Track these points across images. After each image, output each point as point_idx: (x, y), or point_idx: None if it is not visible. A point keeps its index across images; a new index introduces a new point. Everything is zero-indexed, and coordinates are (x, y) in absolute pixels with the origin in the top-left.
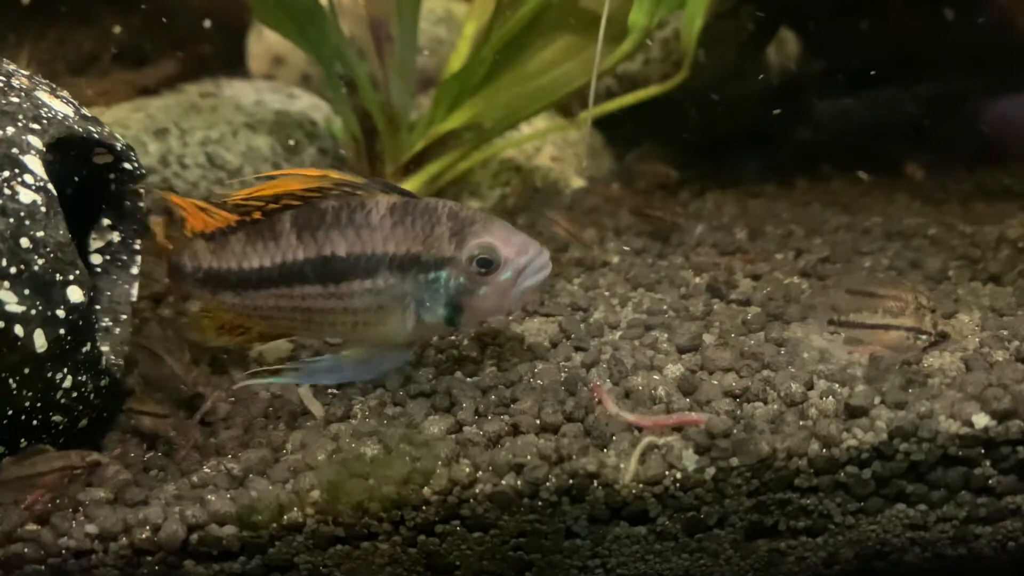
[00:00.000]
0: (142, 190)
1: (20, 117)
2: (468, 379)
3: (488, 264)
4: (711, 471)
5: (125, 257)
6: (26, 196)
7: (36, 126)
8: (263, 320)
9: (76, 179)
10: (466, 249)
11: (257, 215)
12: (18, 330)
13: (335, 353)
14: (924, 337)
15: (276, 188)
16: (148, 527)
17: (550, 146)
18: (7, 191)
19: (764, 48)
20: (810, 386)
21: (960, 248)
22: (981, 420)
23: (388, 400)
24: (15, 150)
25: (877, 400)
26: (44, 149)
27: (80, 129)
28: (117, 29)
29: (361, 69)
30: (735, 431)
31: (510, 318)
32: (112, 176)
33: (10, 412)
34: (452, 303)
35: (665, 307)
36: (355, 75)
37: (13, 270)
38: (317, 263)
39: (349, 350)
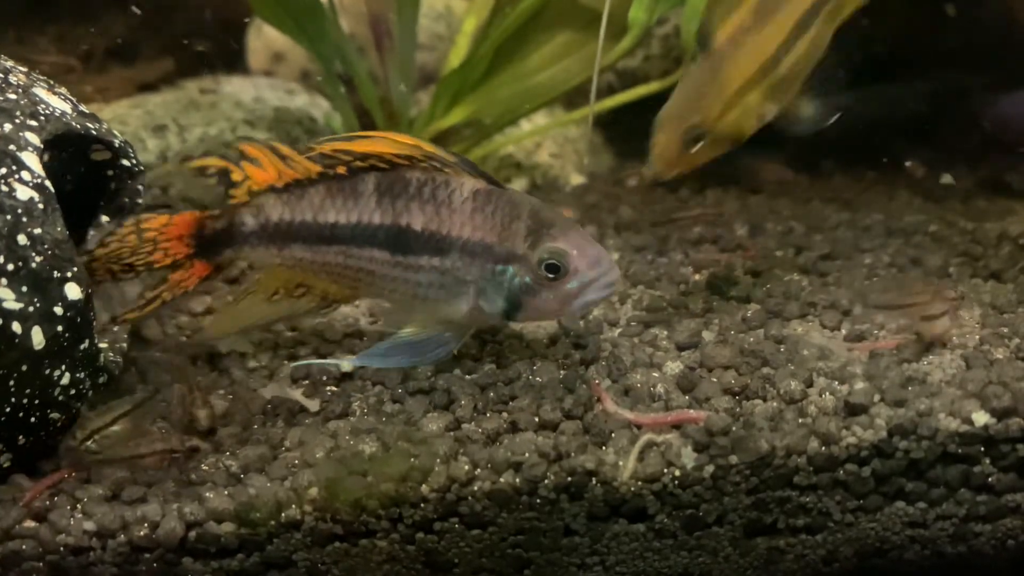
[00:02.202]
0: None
1: (17, 114)
2: (467, 376)
3: (557, 270)
4: (710, 469)
5: None
6: (23, 193)
7: (34, 123)
8: (329, 277)
9: (74, 176)
10: (538, 251)
11: (341, 170)
12: (16, 327)
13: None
14: None
15: (366, 147)
16: (146, 524)
17: (550, 142)
18: (4, 188)
19: None
20: (809, 383)
21: (961, 245)
22: (981, 418)
23: (387, 397)
24: (12, 147)
25: (877, 398)
26: (41, 146)
27: (78, 126)
28: (117, 25)
29: (360, 66)
30: (734, 429)
31: None
32: (110, 173)
33: (8, 409)
34: (512, 299)
35: (665, 304)
36: (354, 72)
37: (10, 267)
38: (391, 231)
39: (403, 331)
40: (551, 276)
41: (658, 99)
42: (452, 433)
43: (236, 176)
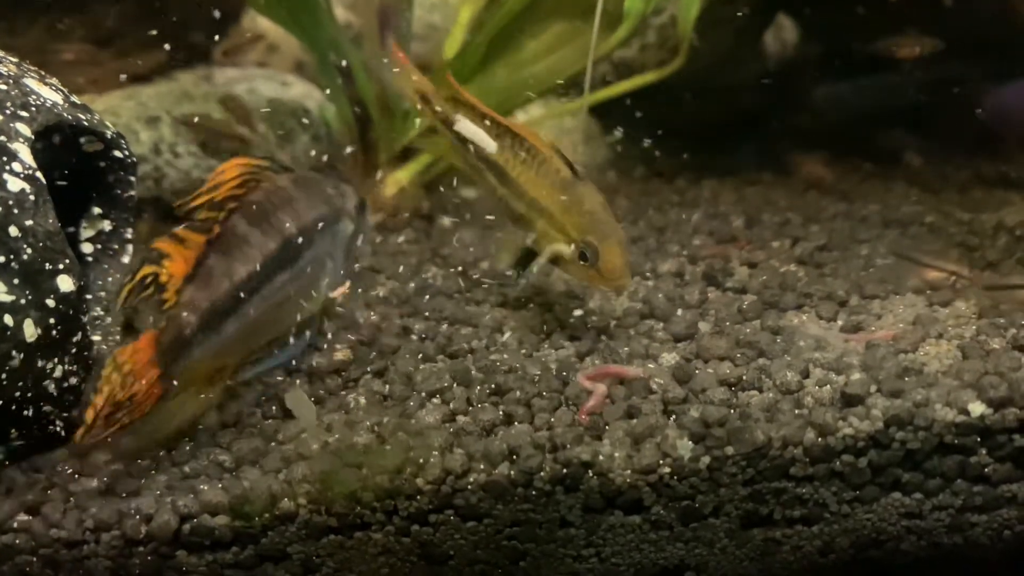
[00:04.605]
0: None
1: (8, 104)
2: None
3: None
4: (706, 460)
5: (116, 246)
6: (14, 184)
7: (24, 113)
8: (246, 337)
9: (66, 168)
10: None
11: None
12: (8, 320)
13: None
14: None
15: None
16: (140, 517)
17: (545, 133)
18: None
19: (761, 34)
20: (806, 374)
21: (958, 236)
22: (977, 408)
23: (385, 390)
24: (3, 138)
25: (873, 388)
26: (33, 137)
27: (69, 117)
28: (109, 16)
29: (356, 57)
30: (730, 419)
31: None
32: (103, 164)
33: (1, 403)
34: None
35: (661, 295)
36: (350, 63)
37: (2, 259)
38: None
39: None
40: None
41: (655, 90)
42: (448, 425)
43: (164, 277)
